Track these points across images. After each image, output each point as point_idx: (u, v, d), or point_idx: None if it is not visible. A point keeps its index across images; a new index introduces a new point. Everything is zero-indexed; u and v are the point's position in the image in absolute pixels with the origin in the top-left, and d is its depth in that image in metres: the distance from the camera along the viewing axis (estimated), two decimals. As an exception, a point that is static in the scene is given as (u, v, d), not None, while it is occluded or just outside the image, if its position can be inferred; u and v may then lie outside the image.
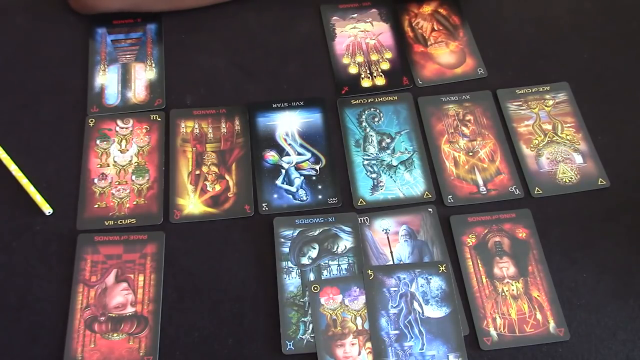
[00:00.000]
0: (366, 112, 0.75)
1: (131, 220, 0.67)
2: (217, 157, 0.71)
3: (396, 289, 0.63)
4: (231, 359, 0.60)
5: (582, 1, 0.85)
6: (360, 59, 0.79)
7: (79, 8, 0.79)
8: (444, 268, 0.64)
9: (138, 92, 0.75)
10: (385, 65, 0.79)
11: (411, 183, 0.70)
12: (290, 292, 0.63)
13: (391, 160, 0.72)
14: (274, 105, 0.75)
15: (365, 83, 0.77)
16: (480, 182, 0.70)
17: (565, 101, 0.76)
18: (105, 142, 0.72)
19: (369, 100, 0.76)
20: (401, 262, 0.65)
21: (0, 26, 0.80)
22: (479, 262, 0.65)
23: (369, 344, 0.61)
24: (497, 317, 0.62)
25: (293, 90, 0.76)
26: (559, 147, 0.73)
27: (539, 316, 0.62)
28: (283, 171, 0.70)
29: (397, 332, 0.61)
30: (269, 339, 0.61)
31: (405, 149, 0.73)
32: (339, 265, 0.65)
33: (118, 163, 0.70)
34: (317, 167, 0.71)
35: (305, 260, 0.65)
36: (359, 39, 0.81)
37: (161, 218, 0.67)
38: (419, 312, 0.62)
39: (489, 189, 0.70)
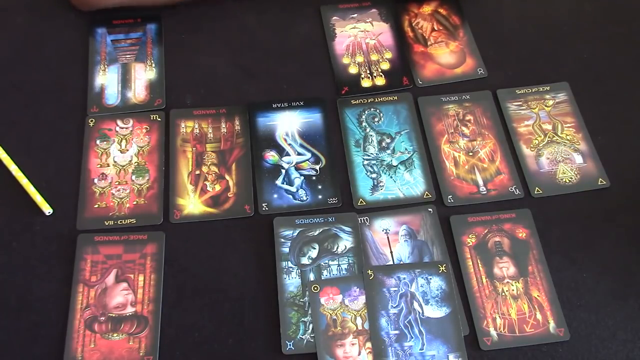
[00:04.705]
0: (366, 112, 0.75)
1: (131, 220, 0.67)
2: (217, 157, 0.71)
3: (396, 289, 0.63)
4: (231, 359, 0.60)
5: (582, 2, 0.85)
6: (360, 59, 0.79)
7: (80, 4, 0.79)
8: (444, 268, 0.64)
9: (138, 92, 0.75)
10: (385, 65, 0.79)
11: (411, 183, 0.70)
12: (290, 292, 0.63)
13: (391, 160, 0.72)
14: (274, 105, 0.75)
15: (365, 83, 0.77)
16: (480, 182, 0.70)
17: (565, 101, 0.76)
18: (105, 142, 0.72)
19: (369, 100, 0.76)
20: (401, 262, 0.65)
21: (0, 26, 0.80)
22: (479, 262, 0.65)
23: (369, 344, 0.61)
24: (497, 317, 0.62)
25: (293, 90, 0.76)
26: (559, 147, 0.73)
27: (539, 316, 0.62)
28: (283, 171, 0.70)
29: (397, 332, 0.61)
30: (269, 339, 0.61)
31: (405, 149, 0.73)
32: (339, 265, 0.65)
33: (118, 163, 0.70)
34: (317, 167, 0.71)
35: (305, 260, 0.65)
36: (359, 39, 0.81)
37: (161, 218, 0.67)
38: (419, 312, 0.62)
39: (489, 189, 0.70)
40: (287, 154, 0.72)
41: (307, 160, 0.72)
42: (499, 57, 0.79)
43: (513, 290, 0.64)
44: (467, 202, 0.69)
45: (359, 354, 0.60)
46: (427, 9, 0.84)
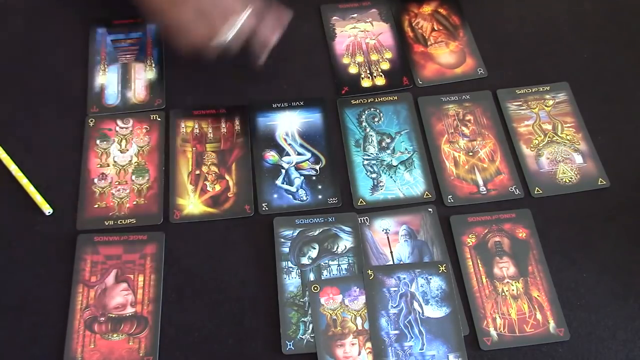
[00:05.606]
0: (366, 112, 0.75)
1: (131, 220, 0.67)
2: (217, 157, 0.71)
3: (396, 289, 0.63)
4: (231, 359, 0.60)
5: (582, 1, 0.85)
6: (360, 59, 0.79)
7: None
8: (444, 268, 0.64)
9: (138, 92, 0.75)
10: (385, 65, 0.78)
11: (411, 183, 0.70)
12: (290, 292, 0.63)
13: (391, 160, 0.72)
14: (274, 105, 0.75)
15: (365, 83, 0.77)
16: (480, 182, 0.70)
17: (565, 101, 0.76)
18: (105, 142, 0.72)
19: (369, 100, 0.76)
20: (401, 262, 0.65)
21: (0, 26, 0.80)
22: (479, 262, 0.65)
23: (369, 344, 0.60)
24: (497, 317, 0.62)
25: (293, 90, 0.76)
26: (559, 147, 0.73)
27: (539, 316, 0.62)
28: (283, 171, 0.70)
29: (397, 332, 0.61)
30: (269, 339, 0.61)
31: (405, 149, 0.72)
32: (339, 265, 0.65)
33: (118, 163, 0.70)
34: (317, 167, 0.71)
35: (305, 260, 0.65)
36: (359, 39, 0.81)
37: (161, 218, 0.67)
38: (419, 312, 0.62)
39: (489, 189, 0.70)
40: (287, 154, 0.72)
41: (307, 160, 0.71)
42: (499, 57, 0.79)
43: (513, 290, 0.64)
44: (467, 202, 0.69)
45: (359, 354, 0.60)
46: (427, 9, 0.84)
